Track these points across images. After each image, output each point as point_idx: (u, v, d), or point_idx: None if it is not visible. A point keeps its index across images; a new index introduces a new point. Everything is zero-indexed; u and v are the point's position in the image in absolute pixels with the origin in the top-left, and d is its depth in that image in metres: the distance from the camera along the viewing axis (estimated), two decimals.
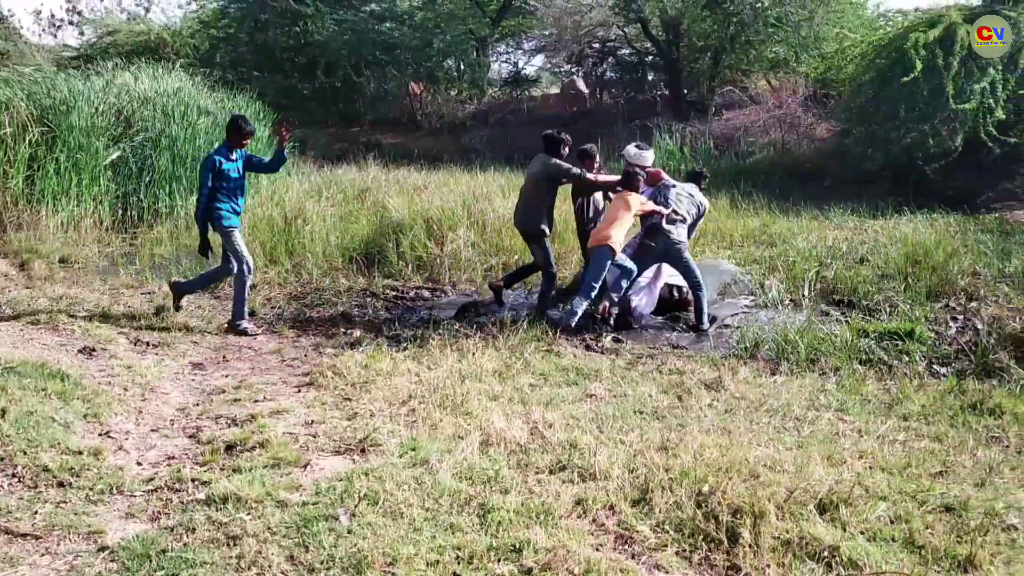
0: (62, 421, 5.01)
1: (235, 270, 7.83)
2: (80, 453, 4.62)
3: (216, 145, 8.49)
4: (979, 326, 7.58)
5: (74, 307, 8.01)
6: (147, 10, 31.60)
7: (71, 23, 31.16)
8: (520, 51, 32.63)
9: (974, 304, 8.31)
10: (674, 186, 8.58)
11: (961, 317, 8.02)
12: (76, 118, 11.88)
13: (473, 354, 6.74)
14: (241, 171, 7.91)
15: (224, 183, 7.74)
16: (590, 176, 8.43)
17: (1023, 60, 14.37)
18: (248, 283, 7.87)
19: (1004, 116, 14.34)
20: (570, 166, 8.34)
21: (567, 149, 8.46)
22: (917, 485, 4.38)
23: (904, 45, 15.24)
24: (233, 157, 7.83)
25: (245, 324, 7.77)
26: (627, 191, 8.14)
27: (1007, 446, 5.13)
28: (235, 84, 19.80)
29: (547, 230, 8.36)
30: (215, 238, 7.93)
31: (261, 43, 26.07)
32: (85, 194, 11.78)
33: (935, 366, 6.89)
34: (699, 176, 9.17)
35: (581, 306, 7.85)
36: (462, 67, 29.22)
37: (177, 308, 8.12)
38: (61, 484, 4.27)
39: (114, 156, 12.26)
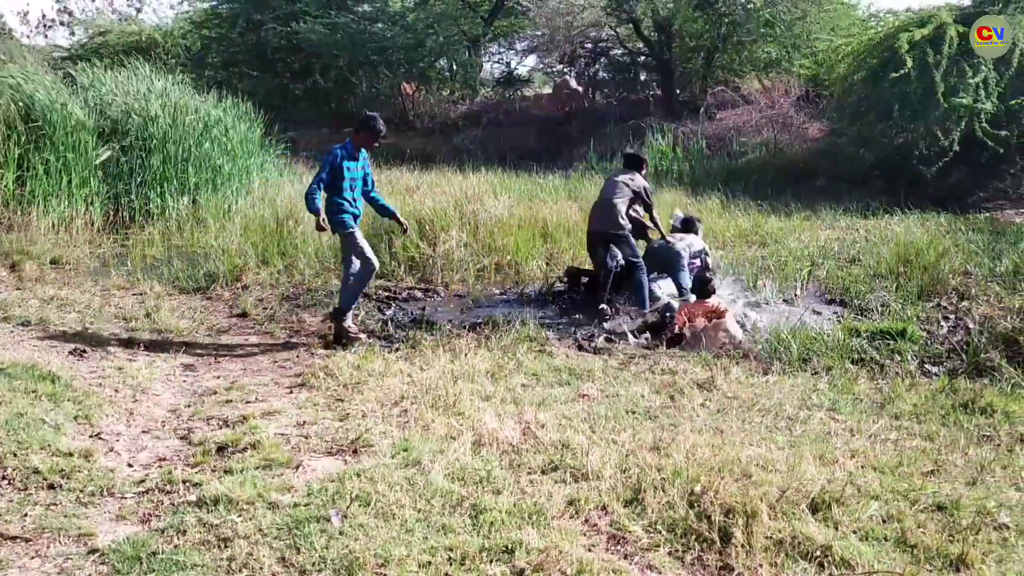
0: (52, 423, 4.98)
1: (359, 267, 7.52)
2: (70, 455, 4.60)
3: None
4: (970, 325, 7.61)
5: (65, 308, 7.98)
6: (138, 10, 31.55)
7: (62, 24, 31.09)
8: (512, 51, 32.58)
9: (965, 303, 8.33)
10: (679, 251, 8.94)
11: (952, 316, 8.04)
12: (64, 118, 11.84)
13: (465, 355, 6.73)
14: (363, 172, 7.52)
15: (344, 182, 7.30)
16: (654, 211, 8.94)
17: (1016, 60, 14.41)
18: (367, 283, 7.60)
19: (994, 110, 14.39)
20: (650, 190, 8.91)
21: (645, 167, 9.10)
22: (909, 484, 4.39)
23: (895, 44, 15.30)
24: (357, 156, 7.45)
25: (349, 322, 7.50)
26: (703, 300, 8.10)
27: (998, 445, 5.14)
28: (227, 84, 19.75)
29: (628, 227, 8.66)
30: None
31: (253, 43, 26.01)
32: (76, 195, 11.74)
33: (927, 365, 6.90)
34: (691, 223, 9.61)
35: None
36: (454, 67, 29.19)
37: (347, 339, 7.35)
38: (51, 486, 4.25)
39: (104, 156, 12.22)
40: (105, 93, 13.24)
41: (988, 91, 14.52)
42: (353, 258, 7.44)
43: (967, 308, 8.16)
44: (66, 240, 10.82)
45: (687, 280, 8.72)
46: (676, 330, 7.84)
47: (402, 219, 7.99)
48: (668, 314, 8.25)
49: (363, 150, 7.52)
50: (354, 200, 7.43)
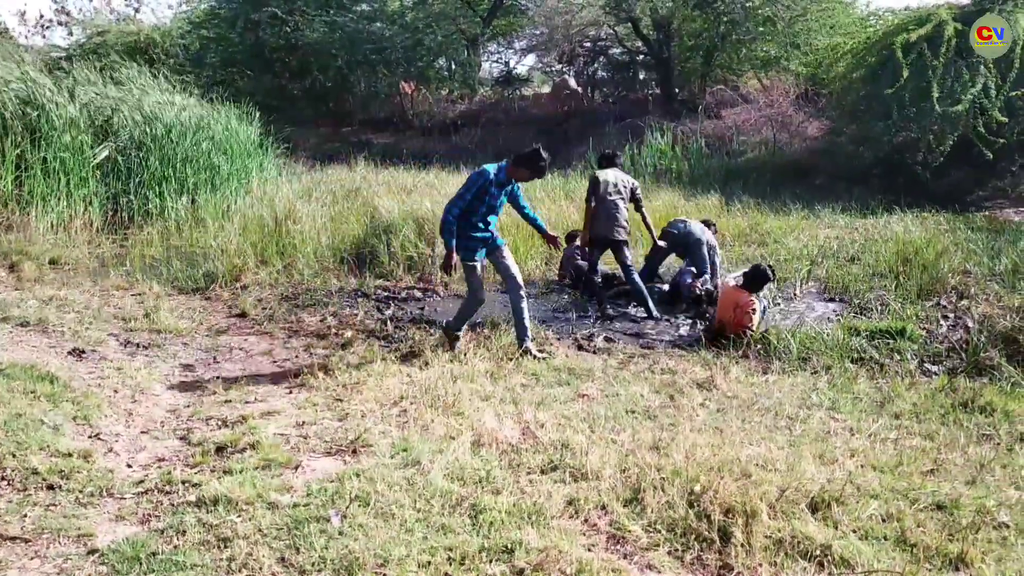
0: (51, 423, 4.98)
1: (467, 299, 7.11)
2: (70, 455, 4.60)
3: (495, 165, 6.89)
4: (970, 324, 7.60)
5: (64, 309, 7.96)
6: (136, 10, 31.48)
7: (60, 23, 31.03)
8: (511, 50, 32.63)
9: (965, 302, 8.33)
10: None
11: (952, 315, 8.04)
12: (60, 117, 11.84)
13: (465, 354, 6.73)
14: (504, 199, 6.95)
15: (482, 207, 6.72)
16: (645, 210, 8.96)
17: (1018, 60, 14.37)
18: (474, 313, 7.10)
19: (1004, 119, 14.33)
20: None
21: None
22: (908, 483, 4.39)
23: (894, 43, 15.29)
24: (507, 185, 6.83)
25: (459, 338, 7.13)
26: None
27: (998, 444, 5.14)
28: (225, 84, 19.76)
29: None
30: None
31: (252, 43, 26.00)
32: (74, 195, 11.74)
33: (926, 364, 6.90)
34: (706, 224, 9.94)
35: None
36: (453, 66, 29.22)
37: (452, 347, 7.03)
38: (51, 487, 4.25)
39: (101, 156, 12.21)
40: (102, 93, 13.24)
41: (991, 100, 14.45)
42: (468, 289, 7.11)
43: (966, 307, 8.16)
44: (65, 240, 10.82)
45: (705, 264, 9.06)
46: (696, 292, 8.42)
47: (548, 233, 7.39)
48: (683, 279, 8.91)
49: (516, 181, 6.95)
50: (487, 225, 6.86)
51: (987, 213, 14.04)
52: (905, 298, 8.51)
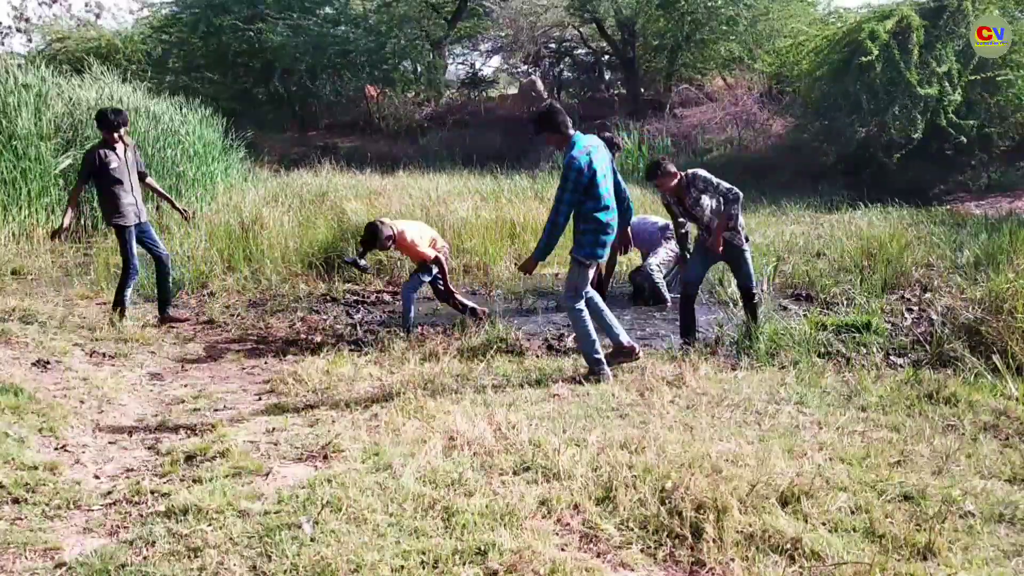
0: (16, 436, 4.90)
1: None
2: (36, 468, 4.53)
3: None
4: (933, 317, 7.70)
5: (27, 319, 7.84)
6: (97, 16, 31.16)
7: (19, 30, 30.61)
8: (476, 52, 32.68)
9: (928, 295, 8.45)
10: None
11: (916, 308, 8.14)
12: (20, 126, 11.67)
13: (436, 357, 6.72)
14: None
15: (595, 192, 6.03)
16: None
17: (976, 56, 14.74)
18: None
19: (962, 100, 14.67)
20: None
21: None
22: (876, 475, 4.43)
23: (859, 37, 15.53)
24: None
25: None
26: None
27: (962, 434, 5.20)
28: (188, 89, 19.59)
29: None
30: None
31: (214, 47, 25.80)
32: (36, 203, 11.58)
33: (892, 357, 6.98)
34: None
35: None
36: (418, 69, 29.15)
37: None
38: (16, 500, 4.18)
39: (64, 164, 12.07)
40: (64, 100, 13.08)
41: (953, 84, 14.77)
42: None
43: (930, 300, 8.27)
44: (27, 250, 10.67)
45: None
46: None
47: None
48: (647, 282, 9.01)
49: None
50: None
51: (949, 207, 14.25)
52: (870, 292, 8.61)
